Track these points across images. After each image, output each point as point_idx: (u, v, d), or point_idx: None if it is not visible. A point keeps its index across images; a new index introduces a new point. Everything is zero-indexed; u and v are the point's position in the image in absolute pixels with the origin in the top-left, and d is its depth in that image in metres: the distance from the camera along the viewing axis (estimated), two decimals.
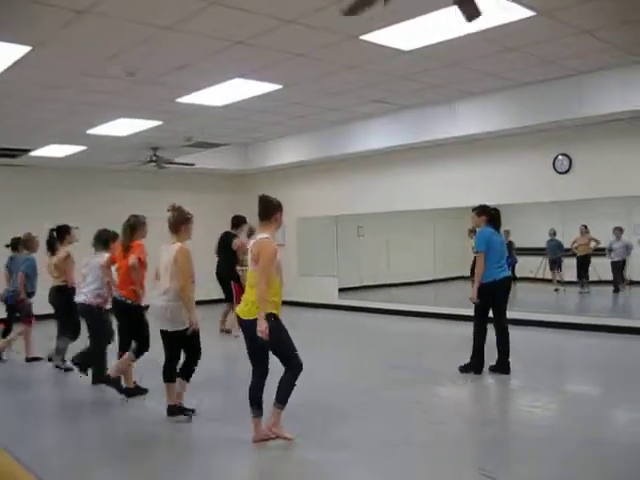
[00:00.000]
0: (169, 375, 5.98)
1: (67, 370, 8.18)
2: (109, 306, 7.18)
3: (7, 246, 9.28)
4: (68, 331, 8.32)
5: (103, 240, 7.51)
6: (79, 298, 7.38)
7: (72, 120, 10.23)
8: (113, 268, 7.01)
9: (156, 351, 6.31)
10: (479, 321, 7.56)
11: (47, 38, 6.42)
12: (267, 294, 4.90)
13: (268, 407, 5.16)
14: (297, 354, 5.09)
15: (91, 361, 7.34)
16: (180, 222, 5.95)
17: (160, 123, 10.77)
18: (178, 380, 6.00)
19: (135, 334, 6.69)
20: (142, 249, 6.68)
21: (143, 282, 6.70)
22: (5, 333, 9.23)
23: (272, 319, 4.94)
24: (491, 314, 7.53)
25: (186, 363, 6.06)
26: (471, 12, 4.63)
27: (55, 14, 5.75)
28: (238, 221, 11.25)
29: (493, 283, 7.37)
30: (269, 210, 5.23)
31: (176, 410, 5.95)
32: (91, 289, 7.25)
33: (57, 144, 12.09)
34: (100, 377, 7.06)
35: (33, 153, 12.68)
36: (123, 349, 6.79)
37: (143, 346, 6.65)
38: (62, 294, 8.26)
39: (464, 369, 7.53)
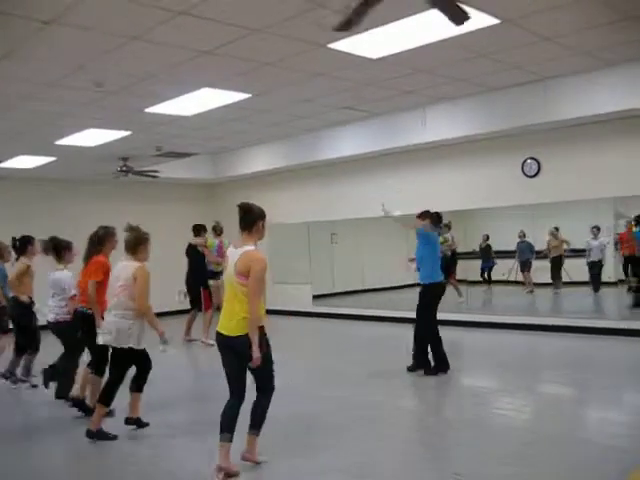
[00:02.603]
0: (109, 398, 5.87)
1: (34, 386, 8.05)
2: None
3: None
4: (31, 345, 8.14)
5: (52, 248, 7.21)
6: (49, 317, 7.15)
7: (40, 131, 10.13)
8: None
9: None
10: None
11: (14, 49, 6.37)
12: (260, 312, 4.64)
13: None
14: (274, 376, 4.84)
15: (57, 376, 7.19)
16: (138, 242, 5.86)
17: (129, 133, 10.71)
18: (133, 394, 5.97)
19: (93, 345, 6.45)
20: (99, 267, 6.39)
21: (103, 300, 6.44)
22: None
23: (262, 335, 4.66)
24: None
25: (138, 374, 5.98)
26: (457, 15, 4.61)
27: (22, 25, 5.71)
28: (199, 230, 11.33)
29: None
30: (251, 219, 4.75)
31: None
32: (61, 305, 7.05)
33: (26, 155, 11.96)
34: (65, 393, 6.98)
35: (2, 165, 12.53)
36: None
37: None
38: (20, 306, 8.04)
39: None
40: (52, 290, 7.12)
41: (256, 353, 4.51)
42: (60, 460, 5.74)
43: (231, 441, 4.68)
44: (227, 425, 4.70)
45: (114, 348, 5.82)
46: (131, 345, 5.72)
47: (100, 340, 5.85)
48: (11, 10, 5.38)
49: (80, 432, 5.85)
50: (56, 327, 7.09)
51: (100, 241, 6.52)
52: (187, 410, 7.01)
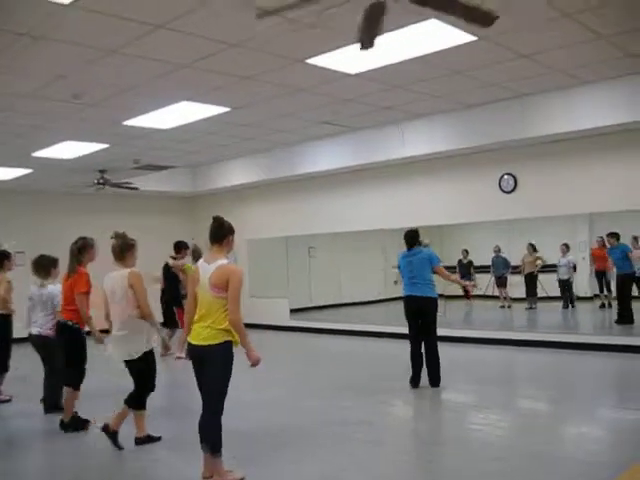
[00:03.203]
0: (141, 402, 5.85)
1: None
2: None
3: None
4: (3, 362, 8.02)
5: (43, 266, 7.30)
6: (33, 330, 7.18)
7: (16, 143, 10.05)
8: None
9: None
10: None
11: None
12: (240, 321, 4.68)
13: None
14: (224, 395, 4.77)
15: (49, 393, 7.24)
16: (125, 249, 5.85)
17: (107, 146, 10.67)
18: (126, 409, 5.83)
19: (73, 358, 6.48)
20: (83, 280, 6.39)
21: (88, 312, 6.47)
22: None
23: (230, 349, 4.70)
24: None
25: (137, 392, 5.86)
26: (483, 17, 4.58)
27: (1, 37, 5.68)
28: (179, 247, 11.26)
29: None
30: (222, 233, 4.92)
31: (146, 440, 5.87)
32: (49, 319, 7.06)
33: (1, 167, 11.85)
34: (55, 405, 7.02)
35: None
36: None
37: (80, 374, 6.50)
38: (5, 320, 7.92)
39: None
40: (39, 304, 7.17)
41: (253, 356, 4.67)
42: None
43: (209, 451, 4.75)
44: (205, 436, 4.76)
45: (127, 362, 5.78)
46: (141, 352, 5.70)
47: (115, 358, 5.79)
48: None
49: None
50: (40, 341, 7.14)
51: (79, 252, 6.53)
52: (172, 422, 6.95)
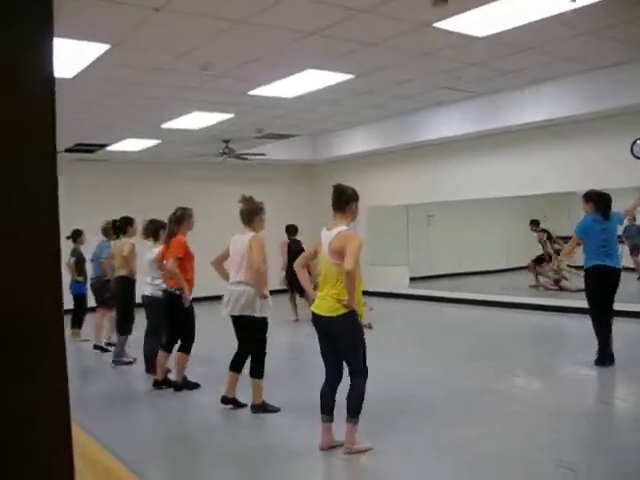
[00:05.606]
0: (236, 365, 6.01)
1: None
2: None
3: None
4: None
5: (153, 230, 7.61)
6: (146, 291, 7.55)
7: (147, 115, 10.46)
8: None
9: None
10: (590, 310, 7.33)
11: (125, 36, 6.58)
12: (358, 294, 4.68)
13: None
14: (366, 361, 4.79)
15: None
16: (253, 213, 5.97)
17: (232, 116, 10.90)
18: (252, 381, 5.95)
19: (183, 325, 6.82)
20: (179, 245, 6.70)
21: (190, 278, 6.81)
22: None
23: (357, 320, 4.71)
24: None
25: (252, 361, 5.96)
26: None
27: (133, 12, 5.88)
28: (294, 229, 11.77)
29: (591, 270, 7.19)
30: (344, 200, 4.82)
31: (260, 408, 5.95)
32: (159, 281, 7.36)
33: (133, 138, 12.38)
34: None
35: (109, 148, 13.01)
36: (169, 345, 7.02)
37: (190, 338, 6.82)
38: (126, 284, 8.34)
39: (596, 362, 7.12)
40: (148, 268, 7.53)
41: (352, 304, 4.58)
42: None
43: (329, 421, 4.83)
44: (325, 405, 4.84)
45: (234, 318, 5.94)
46: (250, 314, 5.80)
47: (222, 312, 5.97)
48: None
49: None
50: (150, 301, 7.49)
51: (178, 221, 6.79)
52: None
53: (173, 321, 6.89)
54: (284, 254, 11.44)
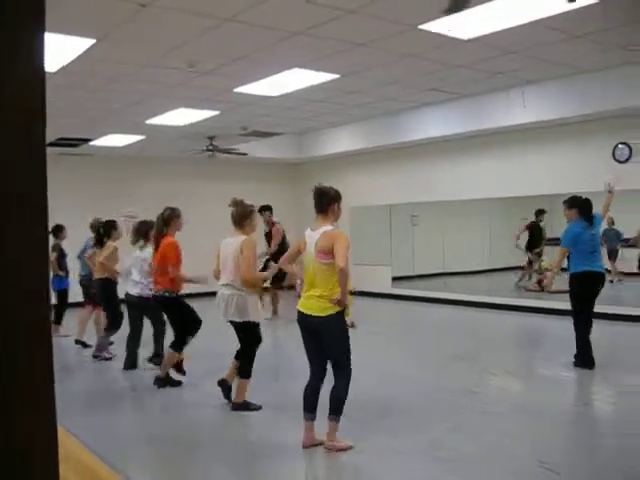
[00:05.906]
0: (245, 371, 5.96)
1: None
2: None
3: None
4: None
5: (143, 232, 7.64)
6: (133, 291, 7.57)
7: (133, 110, 10.41)
8: None
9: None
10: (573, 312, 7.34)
11: (111, 31, 6.55)
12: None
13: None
14: (350, 361, 4.80)
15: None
16: (243, 216, 5.94)
17: (217, 113, 10.88)
18: (238, 379, 5.97)
19: (177, 325, 6.80)
20: (173, 249, 6.66)
21: (180, 277, 6.76)
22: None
23: (345, 321, 4.79)
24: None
25: (240, 361, 5.98)
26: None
27: (119, 7, 5.86)
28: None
29: (579, 275, 7.17)
30: (326, 202, 4.79)
31: (241, 406, 5.93)
32: (149, 282, 7.35)
33: (117, 134, 12.33)
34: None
35: (93, 142, 12.94)
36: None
37: (182, 338, 6.77)
38: (106, 285, 8.34)
39: (575, 363, 7.19)
40: (136, 268, 7.59)
41: (344, 298, 4.61)
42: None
43: (311, 419, 4.85)
44: (307, 403, 4.86)
45: (230, 321, 5.92)
46: (241, 319, 5.79)
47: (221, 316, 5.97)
48: None
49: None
50: (141, 302, 7.53)
51: (166, 222, 6.76)
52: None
53: (171, 322, 6.91)
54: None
